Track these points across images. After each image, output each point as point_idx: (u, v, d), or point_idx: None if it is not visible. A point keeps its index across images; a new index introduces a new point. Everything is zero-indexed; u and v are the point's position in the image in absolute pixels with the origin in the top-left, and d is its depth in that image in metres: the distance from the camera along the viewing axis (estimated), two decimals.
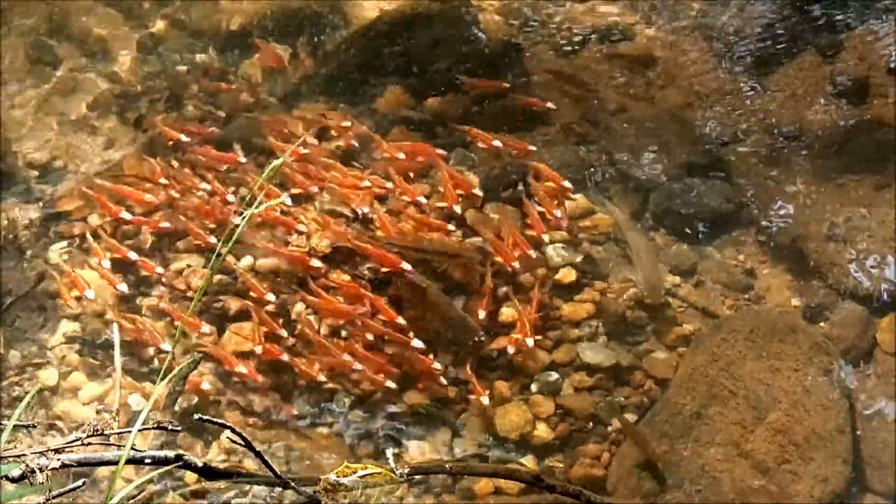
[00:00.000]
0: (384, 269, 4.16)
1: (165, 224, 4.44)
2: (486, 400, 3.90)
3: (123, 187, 4.59)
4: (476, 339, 4.05)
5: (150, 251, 4.44)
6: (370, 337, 4.04)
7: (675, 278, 4.34)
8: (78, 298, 4.30)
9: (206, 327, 4.13)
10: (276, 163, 2.30)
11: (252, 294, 4.19)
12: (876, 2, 5.14)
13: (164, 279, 4.33)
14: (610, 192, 4.63)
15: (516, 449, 3.86)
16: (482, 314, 4.07)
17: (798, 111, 4.85)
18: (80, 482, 2.26)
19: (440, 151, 4.60)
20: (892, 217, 4.34)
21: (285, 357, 4.01)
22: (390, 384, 3.94)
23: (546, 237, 4.33)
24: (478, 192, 4.47)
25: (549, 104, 4.83)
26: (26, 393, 3.95)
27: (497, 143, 4.63)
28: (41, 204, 4.74)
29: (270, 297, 4.17)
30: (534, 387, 4.00)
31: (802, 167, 4.68)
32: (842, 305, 4.18)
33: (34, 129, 5.09)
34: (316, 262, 4.21)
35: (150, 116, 5.04)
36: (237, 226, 2.50)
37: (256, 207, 2.27)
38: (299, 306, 4.20)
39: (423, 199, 4.44)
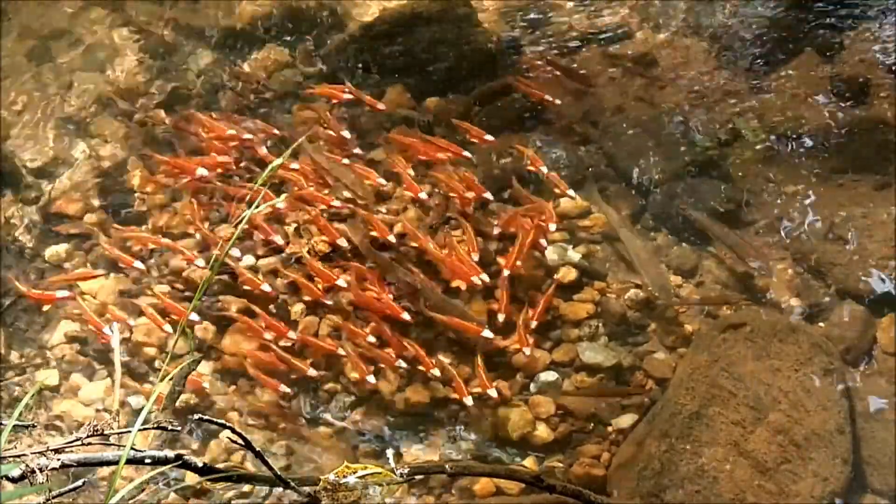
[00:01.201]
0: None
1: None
2: (469, 401, 3.89)
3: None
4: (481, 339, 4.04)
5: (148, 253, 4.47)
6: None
7: (677, 279, 4.33)
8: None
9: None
10: (275, 163, 2.30)
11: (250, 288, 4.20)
12: (876, 2, 5.14)
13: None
14: (608, 193, 4.63)
15: (516, 449, 3.86)
16: (500, 318, 4.06)
17: (798, 111, 4.85)
18: (80, 482, 2.26)
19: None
20: (892, 217, 4.34)
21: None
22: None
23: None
24: (488, 195, 4.45)
25: (549, 97, 4.81)
26: (26, 393, 3.95)
27: (489, 137, 4.63)
28: (41, 204, 4.75)
29: (266, 287, 4.15)
30: (533, 387, 4.01)
31: (802, 167, 4.68)
32: (842, 305, 4.18)
33: (35, 128, 5.09)
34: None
35: (152, 116, 5.05)
36: (237, 227, 2.49)
37: (256, 207, 2.27)
38: (298, 306, 4.21)
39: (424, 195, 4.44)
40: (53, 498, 2.12)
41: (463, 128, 4.71)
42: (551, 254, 4.33)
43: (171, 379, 3.04)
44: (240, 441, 2.37)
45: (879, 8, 5.13)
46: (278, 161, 2.30)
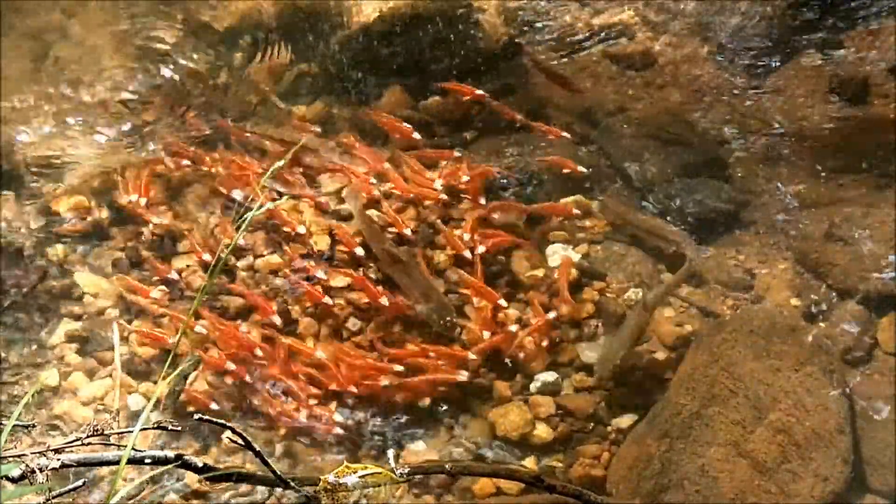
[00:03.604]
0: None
1: None
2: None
3: None
4: (450, 319, 4.07)
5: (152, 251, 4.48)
6: None
7: None
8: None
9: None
10: (277, 164, 2.30)
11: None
12: (876, 2, 5.15)
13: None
14: (608, 193, 4.64)
15: (516, 449, 3.86)
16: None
17: (798, 111, 4.86)
18: (80, 482, 2.26)
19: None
20: (892, 217, 4.34)
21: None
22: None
23: None
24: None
25: (566, 133, 4.77)
26: (26, 393, 3.95)
27: (480, 91, 4.76)
28: (41, 204, 4.74)
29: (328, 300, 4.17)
30: (533, 387, 4.01)
31: (802, 167, 4.68)
32: (842, 305, 4.19)
33: (34, 128, 5.09)
34: None
35: (152, 117, 5.05)
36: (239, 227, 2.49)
37: (258, 209, 2.27)
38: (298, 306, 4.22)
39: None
40: (53, 498, 2.12)
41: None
42: (551, 254, 4.35)
43: (171, 379, 3.04)
44: (240, 441, 2.37)
45: (879, 8, 5.13)
46: (280, 163, 2.31)
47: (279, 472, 2.47)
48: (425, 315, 4.10)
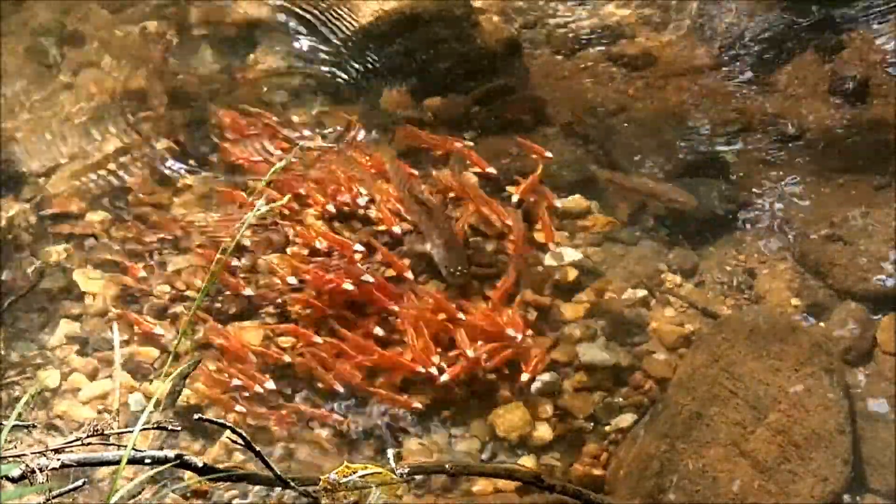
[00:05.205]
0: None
1: None
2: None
3: None
4: (462, 269, 4.11)
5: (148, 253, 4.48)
6: None
7: (676, 278, 4.34)
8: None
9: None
10: (278, 164, 2.30)
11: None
12: (876, 2, 5.15)
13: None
14: (607, 193, 4.64)
15: (516, 449, 3.86)
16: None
17: (798, 111, 4.86)
18: (80, 482, 2.26)
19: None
20: (892, 217, 4.35)
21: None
22: None
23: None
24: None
25: (548, 153, 4.68)
26: (26, 393, 3.95)
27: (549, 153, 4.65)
28: (41, 203, 4.74)
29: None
30: (533, 387, 4.01)
31: (802, 167, 4.68)
32: (842, 305, 4.19)
33: (34, 129, 5.09)
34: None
35: (152, 117, 5.06)
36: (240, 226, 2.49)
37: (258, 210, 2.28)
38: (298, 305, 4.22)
39: None
40: (53, 498, 2.13)
41: None
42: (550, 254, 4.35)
43: (171, 379, 3.05)
44: (240, 441, 2.37)
45: (879, 8, 5.13)
46: (282, 163, 2.31)
47: (279, 472, 2.47)
48: (438, 260, 4.14)
